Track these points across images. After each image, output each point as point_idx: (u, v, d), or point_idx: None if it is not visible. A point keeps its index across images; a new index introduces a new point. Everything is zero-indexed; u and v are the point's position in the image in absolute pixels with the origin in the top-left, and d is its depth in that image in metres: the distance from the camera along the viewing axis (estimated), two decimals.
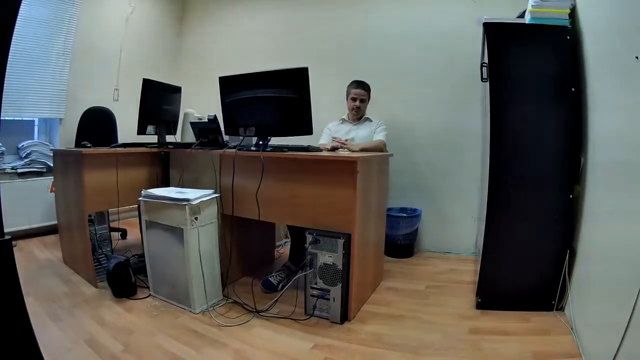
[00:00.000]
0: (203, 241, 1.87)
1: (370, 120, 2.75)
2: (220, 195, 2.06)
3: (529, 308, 1.83)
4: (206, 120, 2.21)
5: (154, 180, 2.42)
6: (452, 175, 2.89)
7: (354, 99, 2.68)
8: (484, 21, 1.92)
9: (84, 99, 3.27)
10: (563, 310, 1.80)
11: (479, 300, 1.89)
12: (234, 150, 2.01)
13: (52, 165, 2.95)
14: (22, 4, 0.77)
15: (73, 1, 3.28)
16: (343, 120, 2.84)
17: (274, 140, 2.03)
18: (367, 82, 2.74)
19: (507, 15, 2.10)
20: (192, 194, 1.86)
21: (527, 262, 1.84)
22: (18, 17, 0.74)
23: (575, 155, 1.76)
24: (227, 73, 2.09)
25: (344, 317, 1.79)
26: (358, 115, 2.73)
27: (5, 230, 0.76)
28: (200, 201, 1.86)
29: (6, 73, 0.75)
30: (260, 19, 3.81)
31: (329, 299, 1.79)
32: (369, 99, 2.74)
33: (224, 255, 2.09)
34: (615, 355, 1.17)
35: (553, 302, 1.81)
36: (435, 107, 2.92)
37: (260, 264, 2.51)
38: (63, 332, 1.64)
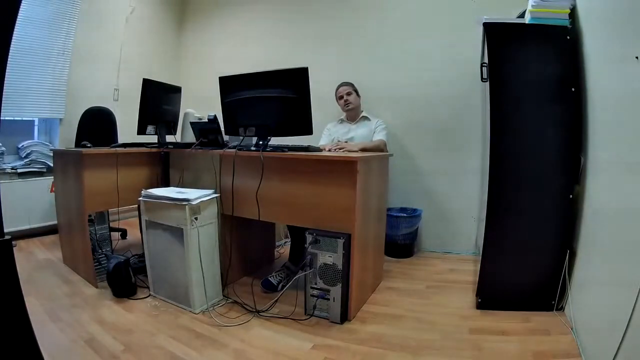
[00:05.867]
0: (203, 241, 1.87)
1: (369, 119, 2.77)
2: (220, 195, 2.06)
3: (529, 308, 1.83)
4: (206, 120, 2.21)
5: (154, 180, 2.42)
6: (452, 175, 2.89)
7: (340, 97, 2.78)
8: (484, 21, 1.92)
9: (84, 99, 3.27)
10: (563, 310, 1.80)
11: (479, 300, 1.89)
12: (234, 150, 2.01)
13: (52, 165, 2.95)
14: (22, 4, 0.77)
15: (73, 1, 3.28)
16: (342, 121, 2.86)
17: (274, 140, 2.03)
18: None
19: (507, 15, 2.10)
20: (192, 194, 1.86)
21: (527, 262, 1.84)
22: (18, 17, 0.74)
23: (575, 155, 1.76)
24: (227, 73, 2.09)
25: (344, 317, 1.79)
26: (351, 109, 2.78)
27: (5, 230, 0.76)
28: (200, 201, 1.86)
29: (6, 73, 0.74)
30: (261, 19, 3.81)
31: (329, 299, 1.79)
32: (356, 92, 2.80)
33: (224, 255, 2.09)
34: (615, 355, 1.17)
35: (553, 302, 1.81)
36: (435, 107, 2.92)
37: (260, 264, 2.51)
38: (63, 332, 1.64)
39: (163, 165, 2.44)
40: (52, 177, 2.91)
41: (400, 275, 2.43)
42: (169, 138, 2.63)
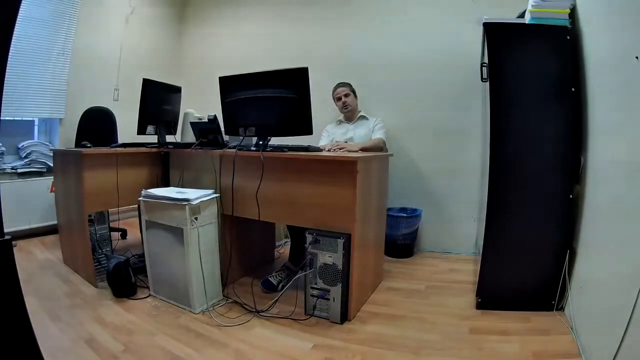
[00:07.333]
0: (203, 241, 1.87)
1: (367, 119, 2.78)
2: (220, 195, 2.06)
3: (529, 308, 1.83)
4: (206, 120, 2.21)
5: (154, 180, 2.42)
6: (452, 175, 2.89)
7: (338, 98, 2.77)
8: (484, 21, 1.92)
9: (84, 99, 3.27)
10: (563, 310, 1.80)
11: (479, 300, 1.89)
12: (234, 150, 2.01)
13: (52, 165, 2.95)
14: (22, 4, 0.77)
15: (73, 1, 3.28)
16: (340, 122, 2.87)
17: (274, 140, 2.03)
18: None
19: (507, 15, 2.10)
20: (192, 194, 1.86)
21: (527, 262, 1.84)
22: (18, 17, 0.74)
23: (575, 155, 1.76)
24: (227, 73, 2.09)
25: (344, 317, 1.79)
26: (349, 111, 2.77)
27: (5, 230, 0.76)
28: (200, 201, 1.86)
29: (6, 73, 0.74)
30: (261, 19, 3.81)
31: (329, 299, 1.79)
32: (354, 94, 2.80)
33: (224, 255, 2.09)
34: (615, 355, 1.17)
35: (553, 302, 1.81)
36: (435, 107, 2.92)
37: (260, 264, 2.51)
38: (63, 332, 1.64)
39: (163, 165, 2.44)
40: (52, 177, 2.91)
41: (400, 275, 2.43)
42: (169, 138, 2.63)
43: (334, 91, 2.81)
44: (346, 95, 2.74)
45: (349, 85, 2.80)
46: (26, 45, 2.99)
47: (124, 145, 2.38)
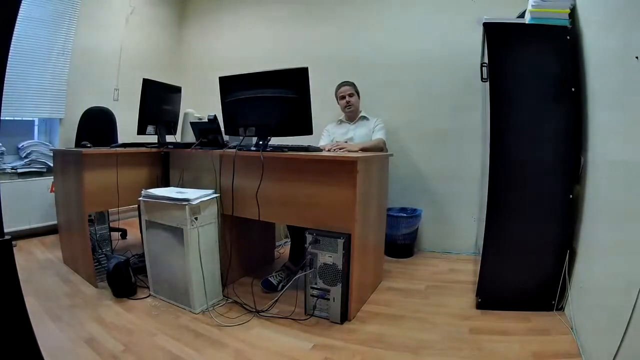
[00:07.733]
0: (203, 241, 1.87)
1: (367, 119, 2.77)
2: (220, 195, 2.06)
3: (529, 308, 1.83)
4: (206, 120, 2.21)
5: (154, 180, 2.42)
6: (452, 176, 2.89)
7: (342, 97, 2.75)
8: (484, 21, 1.92)
9: (84, 99, 3.27)
10: (563, 310, 1.80)
11: (479, 300, 1.89)
12: (234, 150, 2.01)
13: (52, 165, 2.95)
14: (22, 4, 0.77)
15: (73, 1, 3.28)
16: (341, 122, 2.86)
17: (274, 140, 2.03)
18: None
19: (507, 15, 2.10)
20: (192, 194, 1.87)
21: (527, 262, 1.84)
22: (18, 17, 0.74)
23: (575, 155, 1.76)
24: (227, 73, 2.09)
25: (344, 317, 1.79)
26: (352, 111, 2.76)
27: (5, 230, 0.76)
28: (200, 201, 1.86)
29: (6, 73, 0.75)
30: (261, 19, 3.81)
31: (329, 299, 1.79)
32: (357, 94, 2.79)
33: (224, 255, 2.09)
34: (615, 355, 1.17)
35: (553, 302, 1.81)
36: (435, 107, 2.92)
37: (260, 264, 2.51)
38: (63, 332, 1.64)
39: (163, 165, 2.44)
40: (52, 177, 2.91)
41: (400, 275, 2.43)
42: (169, 138, 2.63)
43: (337, 89, 2.79)
44: (350, 95, 2.72)
45: (352, 84, 2.77)
46: (26, 45, 2.99)
47: (124, 145, 2.38)
